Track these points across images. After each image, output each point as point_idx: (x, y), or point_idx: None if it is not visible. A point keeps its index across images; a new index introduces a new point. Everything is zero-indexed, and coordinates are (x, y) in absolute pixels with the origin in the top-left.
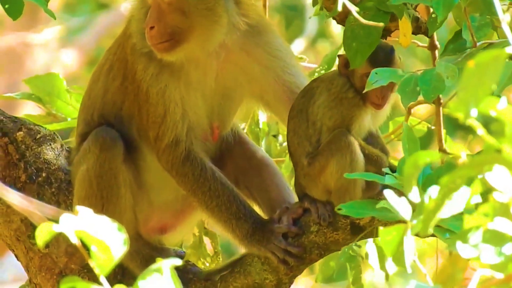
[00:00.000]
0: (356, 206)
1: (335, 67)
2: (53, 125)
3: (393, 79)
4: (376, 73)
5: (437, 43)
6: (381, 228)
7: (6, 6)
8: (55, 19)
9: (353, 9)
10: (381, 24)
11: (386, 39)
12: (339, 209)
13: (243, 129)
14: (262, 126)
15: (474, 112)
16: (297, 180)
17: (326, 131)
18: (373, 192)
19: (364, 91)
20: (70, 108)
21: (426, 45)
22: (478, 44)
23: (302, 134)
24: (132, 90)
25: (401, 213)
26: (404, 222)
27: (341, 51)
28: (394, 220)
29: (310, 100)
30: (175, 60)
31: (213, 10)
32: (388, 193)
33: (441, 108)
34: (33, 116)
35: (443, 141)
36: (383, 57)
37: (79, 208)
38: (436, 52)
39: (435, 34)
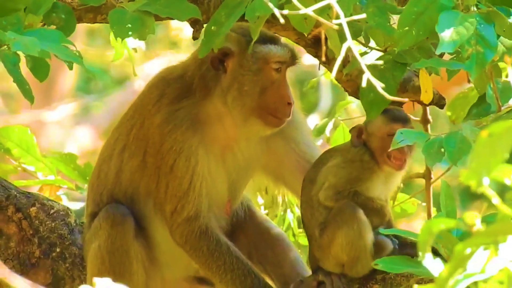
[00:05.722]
0: (391, 261)
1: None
2: (28, 181)
3: (418, 140)
4: (401, 133)
5: (429, 117)
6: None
7: (31, 66)
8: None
9: (363, 64)
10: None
11: None
12: (375, 265)
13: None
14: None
15: (486, 181)
16: (311, 252)
17: (327, 187)
18: (383, 253)
19: (390, 149)
20: (41, 165)
21: (418, 118)
22: (502, 108)
23: (313, 204)
24: (154, 163)
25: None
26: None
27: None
28: (428, 278)
29: (322, 168)
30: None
31: None
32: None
33: (431, 184)
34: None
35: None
36: (398, 114)
37: (96, 279)
38: (428, 126)
39: (427, 108)
